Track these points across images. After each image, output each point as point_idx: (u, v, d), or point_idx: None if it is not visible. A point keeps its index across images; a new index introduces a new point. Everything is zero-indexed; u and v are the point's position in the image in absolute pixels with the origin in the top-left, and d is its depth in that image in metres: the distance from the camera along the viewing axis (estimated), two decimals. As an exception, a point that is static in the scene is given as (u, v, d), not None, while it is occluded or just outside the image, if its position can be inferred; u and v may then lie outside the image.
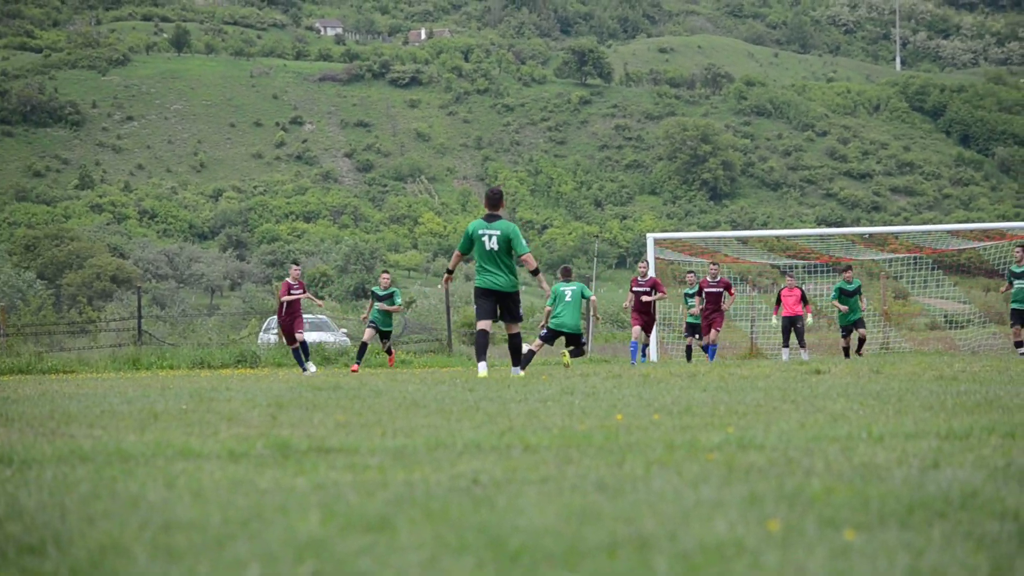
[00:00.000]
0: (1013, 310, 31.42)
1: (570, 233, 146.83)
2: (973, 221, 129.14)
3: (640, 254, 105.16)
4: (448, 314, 43.98)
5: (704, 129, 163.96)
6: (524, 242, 20.56)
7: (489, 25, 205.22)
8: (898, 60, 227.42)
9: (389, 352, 34.01)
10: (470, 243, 20.42)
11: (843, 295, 34.11)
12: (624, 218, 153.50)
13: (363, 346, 32.69)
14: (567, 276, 29.25)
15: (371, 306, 32.46)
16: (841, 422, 9.92)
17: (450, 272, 22.02)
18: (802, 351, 34.61)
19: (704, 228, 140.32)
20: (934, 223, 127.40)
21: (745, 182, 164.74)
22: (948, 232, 45.66)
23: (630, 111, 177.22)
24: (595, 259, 66.66)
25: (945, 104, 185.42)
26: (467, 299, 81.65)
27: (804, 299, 35.29)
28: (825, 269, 45.59)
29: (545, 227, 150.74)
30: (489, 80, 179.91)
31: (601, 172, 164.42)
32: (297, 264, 33.98)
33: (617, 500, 6.16)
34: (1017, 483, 6.36)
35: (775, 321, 36.54)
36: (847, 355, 33.69)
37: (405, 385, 17.53)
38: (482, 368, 20.45)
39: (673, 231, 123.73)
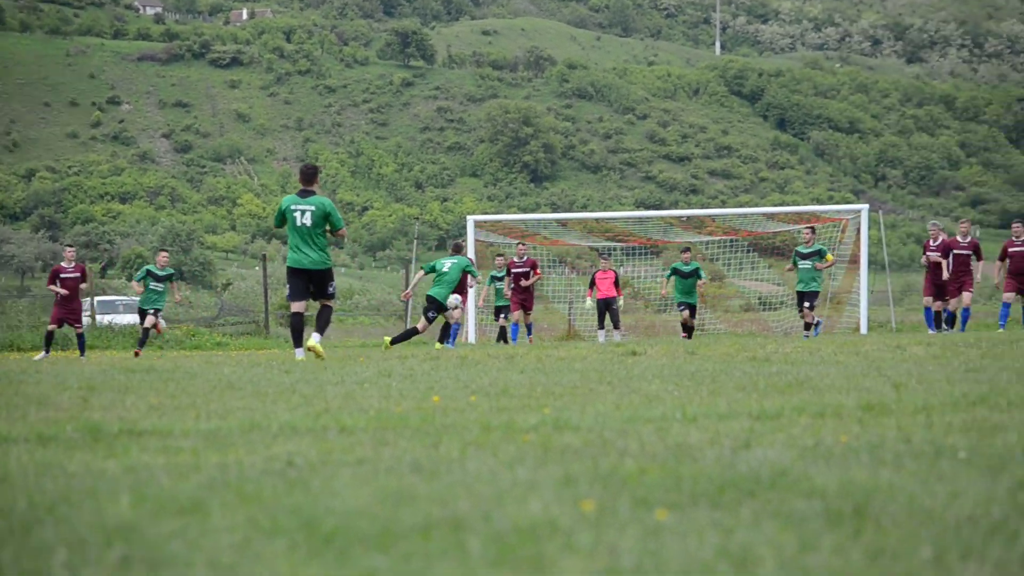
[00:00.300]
0: (798, 292, 32.13)
1: (390, 215, 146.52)
2: (788, 204, 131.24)
3: (460, 235, 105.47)
4: (266, 296, 43.65)
5: (526, 112, 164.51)
6: (340, 216, 20.37)
7: (311, 6, 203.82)
8: (718, 44, 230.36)
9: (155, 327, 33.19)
10: (283, 218, 20.09)
11: (679, 275, 34.22)
12: (445, 200, 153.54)
13: (145, 332, 32.20)
14: (457, 252, 29.45)
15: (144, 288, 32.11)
16: (656, 403, 10.01)
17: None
18: (616, 333, 34.89)
19: (525, 210, 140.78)
20: (750, 206, 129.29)
21: (566, 165, 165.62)
22: (764, 215, 46.35)
23: (452, 93, 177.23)
24: (415, 241, 66.57)
25: (763, 88, 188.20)
26: (284, 280, 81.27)
27: (617, 282, 35.60)
28: (643, 251, 46.00)
29: (365, 208, 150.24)
30: (311, 61, 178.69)
31: (423, 154, 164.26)
32: (72, 247, 32.81)
33: (432, 482, 6.15)
34: (825, 462, 6.46)
35: (589, 303, 36.75)
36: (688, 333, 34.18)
37: (220, 367, 17.37)
38: (299, 353, 20.22)
39: (494, 213, 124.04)
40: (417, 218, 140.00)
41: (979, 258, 31.93)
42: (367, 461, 6.95)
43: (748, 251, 42.35)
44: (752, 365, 14.91)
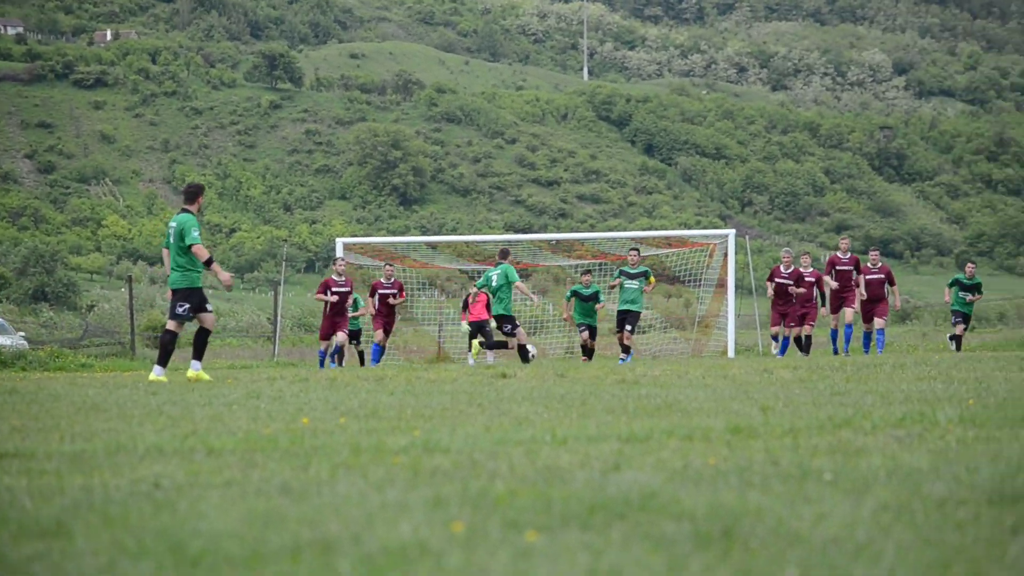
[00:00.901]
0: (621, 311, 32.14)
1: (259, 237, 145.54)
2: (656, 229, 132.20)
3: (330, 258, 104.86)
4: (132, 317, 43.22)
5: (395, 135, 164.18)
6: (196, 233, 20.05)
7: (177, 28, 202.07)
8: (585, 70, 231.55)
9: None
10: (168, 238, 20.25)
11: (579, 298, 33.91)
12: (314, 223, 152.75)
13: None
14: (503, 257, 29.48)
15: None
16: (526, 425, 10.03)
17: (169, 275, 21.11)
18: (488, 354, 34.91)
19: (394, 233, 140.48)
20: (619, 230, 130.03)
21: (435, 188, 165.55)
22: (632, 239, 46.64)
23: (321, 116, 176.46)
24: (283, 263, 66.27)
25: (631, 114, 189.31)
26: (150, 302, 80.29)
27: (490, 305, 35.65)
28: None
29: (233, 231, 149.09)
30: (177, 83, 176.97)
31: (291, 176, 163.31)
32: None
33: (301, 503, 6.12)
34: (694, 485, 6.51)
35: (464, 326, 36.78)
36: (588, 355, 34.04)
37: (85, 389, 17.16)
38: (156, 372, 20.06)
39: (363, 236, 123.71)
40: (285, 240, 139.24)
41: (891, 283, 32.49)
42: (235, 483, 6.90)
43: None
44: (621, 388, 14.99)
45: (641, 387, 15.09)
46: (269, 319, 65.42)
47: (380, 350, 34.16)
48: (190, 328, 21.32)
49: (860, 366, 19.55)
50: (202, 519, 5.75)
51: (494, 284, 29.34)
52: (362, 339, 35.82)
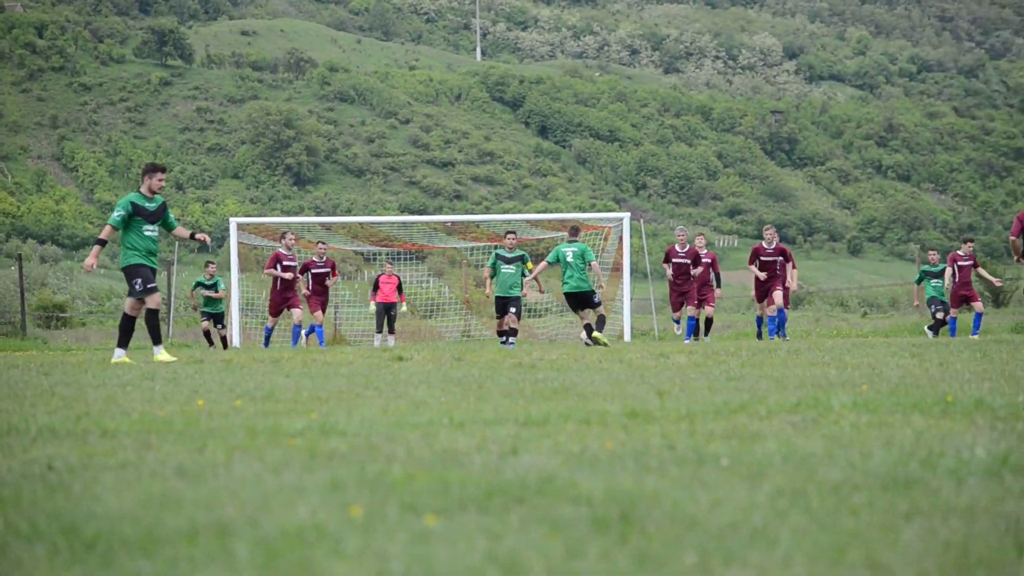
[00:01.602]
0: (499, 298, 31.39)
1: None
2: (551, 211, 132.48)
3: (223, 238, 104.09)
4: (22, 297, 42.73)
5: (288, 114, 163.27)
6: (115, 214, 20.20)
7: (64, 1, 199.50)
8: (479, 50, 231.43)
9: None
10: None
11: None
12: (206, 202, 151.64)
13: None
14: (574, 235, 28.96)
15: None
16: (423, 408, 10.03)
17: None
18: (390, 337, 34.87)
19: (288, 213, 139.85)
20: (514, 212, 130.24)
21: (329, 168, 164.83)
22: (527, 221, 46.75)
23: (212, 94, 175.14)
24: (176, 243, 65.67)
25: (524, 95, 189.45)
26: (41, 280, 79.30)
27: (400, 287, 35.69)
28: (408, 256, 46.04)
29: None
30: (65, 58, 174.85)
31: (183, 155, 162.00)
32: None
33: (197, 486, 6.08)
34: (591, 468, 6.53)
35: (372, 307, 36.80)
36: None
37: (-26, 371, 16.94)
38: (118, 354, 19.98)
39: (257, 216, 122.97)
40: (178, 219, 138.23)
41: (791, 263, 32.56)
42: (130, 465, 6.85)
43: (524, 260, 42.81)
44: (518, 371, 15.02)
45: (538, 371, 15.12)
46: (163, 300, 64.82)
47: (317, 329, 33.67)
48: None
49: (755, 351, 19.72)
50: (97, 502, 5.70)
51: (569, 259, 28.56)
52: (225, 322, 35.93)
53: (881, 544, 4.94)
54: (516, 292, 31.21)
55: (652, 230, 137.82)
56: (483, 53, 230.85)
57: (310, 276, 33.64)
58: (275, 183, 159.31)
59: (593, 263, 28.67)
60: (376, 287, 36.12)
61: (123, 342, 20.03)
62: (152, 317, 20.11)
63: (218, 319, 35.79)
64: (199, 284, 36.08)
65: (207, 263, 36.52)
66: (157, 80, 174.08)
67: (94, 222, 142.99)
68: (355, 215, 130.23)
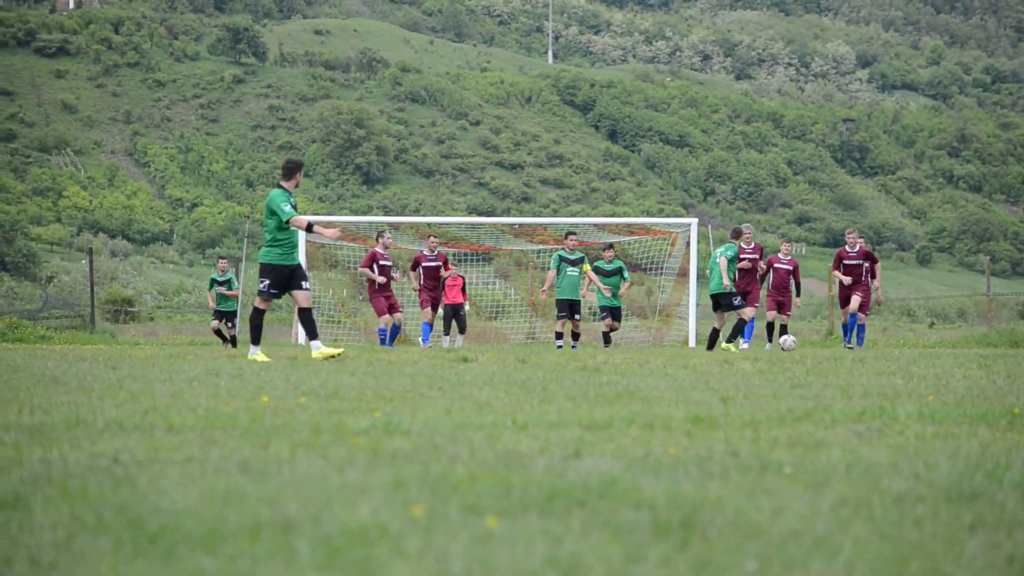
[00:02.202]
0: (564, 300, 30.87)
1: (220, 212, 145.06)
2: (619, 215, 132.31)
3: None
4: (92, 290, 43.04)
5: (358, 113, 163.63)
6: (287, 208, 19.75)
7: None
8: (550, 53, 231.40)
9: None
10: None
11: (602, 274, 32.13)
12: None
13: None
14: (736, 237, 28.90)
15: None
16: (486, 410, 10.03)
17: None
18: (459, 338, 34.69)
19: (356, 212, 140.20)
20: (582, 216, 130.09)
21: (398, 168, 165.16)
22: (595, 225, 46.69)
23: (284, 92, 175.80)
24: (245, 239, 65.96)
25: (595, 99, 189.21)
26: (111, 275, 79.93)
27: (464, 288, 35.50)
28: (475, 257, 46.08)
29: (195, 205, 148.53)
30: (140, 54, 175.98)
31: (254, 152, 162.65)
32: None
33: (261, 482, 6.11)
34: (654, 473, 6.52)
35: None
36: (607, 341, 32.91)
37: (44, 361, 17.09)
38: (252, 351, 19.66)
39: (325, 214, 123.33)
40: (248, 216, 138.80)
41: (796, 280, 32.35)
42: (195, 460, 6.89)
43: (583, 261, 42.81)
44: (582, 375, 15.00)
45: (602, 375, 15.10)
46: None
47: (429, 328, 32.62)
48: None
49: (820, 359, 19.62)
50: (161, 496, 5.74)
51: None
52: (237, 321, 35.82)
53: (944, 556, 4.91)
54: (579, 295, 31.12)
55: (720, 236, 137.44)
56: (555, 56, 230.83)
57: (421, 270, 32.50)
58: (344, 182, 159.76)
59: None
60: (442, 288, 36.01)
61: (256, 339, 19.92)
62: (257, 317, 20.07)
63: (230, 317, 35.37)
64: (213, 281, 35.48)
65: (219, 258, 36.08)
66: (230, 77, 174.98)
67: (164, 217, 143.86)
68: (423, 215, 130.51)
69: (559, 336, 30.85)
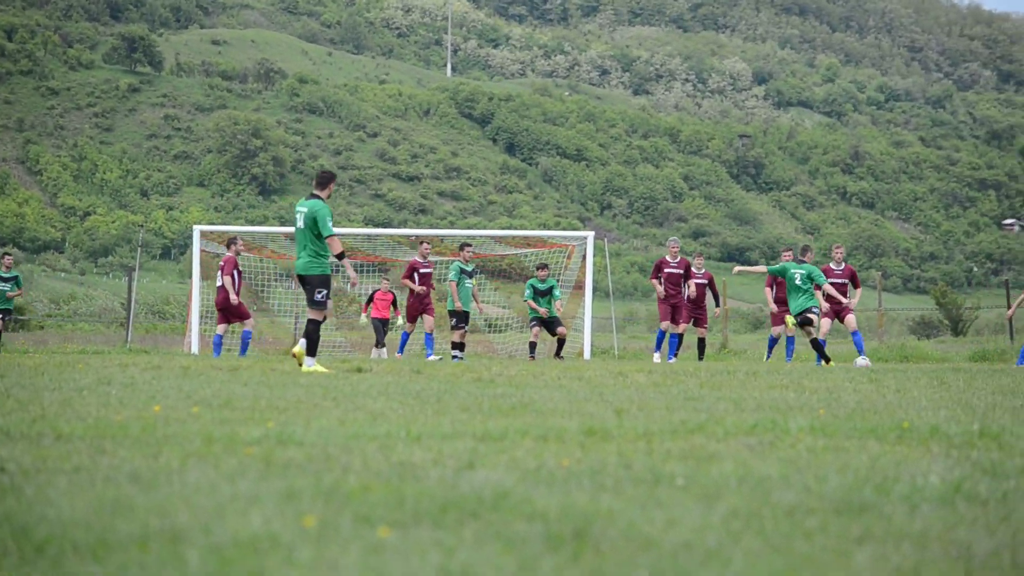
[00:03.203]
0: (452, 311, 31.18)
1: (114, 221, 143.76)
2: (516, 228, 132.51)
3: (187, 245, 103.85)
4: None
5: (255, 124, 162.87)
6: (331, 225, 19.88)
7: (35, 5, 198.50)
8: (449, 66, 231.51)
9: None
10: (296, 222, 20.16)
11: (536, 293, 32.18)
12: (171, 209, 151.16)
13: None
14: (804, 254, 28.76)
15: None
16: (380, 421, 10.01)
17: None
18: (383, 351, 34.53)
19: (252, 223, 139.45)
20: (479, 228, 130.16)
21: (295, 179, 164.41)
22: (492, 238, 46.73)
23: (180, 102, 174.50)
24: (139, 249, 65.56)
25: (493, 112, 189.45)
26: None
27: (395, 303, 35.45)
28: (371, 268, 45.95)
29: (88, 214, 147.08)
30: (34, 61, 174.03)
31: (148, 162, 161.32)
32: None
33: (151, 492, 6.06)
34: (547, 485, 6.53)
35: (363, 319, 36.63)
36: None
37: (-68, 371, 16.85)
38: (309, 363, 19.43)
39: (221, 224, 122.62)
40: (142, 226, 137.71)
41: (714, 292, 32.52)
42: (84, 469, 6.82)
43: (476, 273, 42.67)
44: (477, 386, 15.00)
45: (496, 386, 15.11)
46: (123, 305, 64.63)
47: (406, 337, 32.51)
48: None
49: (713, 372, 19.75)
50: (49, 505, 5.68)
51: (797, 282, 28.33)
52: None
53: (833, 568, 4.95)
54: (470, 306, 31.53)
55: (616, 250, 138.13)
56: (453, 69, 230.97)
57: (417, 277, 32.02)
58: (240, 192, 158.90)
59: (825, 286, 28.59)
60: (371, 300, 35.85)
61: (312, 351, 19.63)
62: (316, 329, 19.90)
63: (7, 314, 34.66)
64: None
65: (4, 255, 34.54)
66: (125, 86, 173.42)
67: (56, 226, 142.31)
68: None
69: (456, 347, 31.02)
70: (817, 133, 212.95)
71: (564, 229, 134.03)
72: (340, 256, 19.95)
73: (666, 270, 31.99)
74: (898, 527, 5.60)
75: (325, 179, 20.39)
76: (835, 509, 5.98)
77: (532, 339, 32.51)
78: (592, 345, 38.59)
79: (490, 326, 47.17)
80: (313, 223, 19.79)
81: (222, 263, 31.52)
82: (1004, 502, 6.27)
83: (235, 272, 30.90)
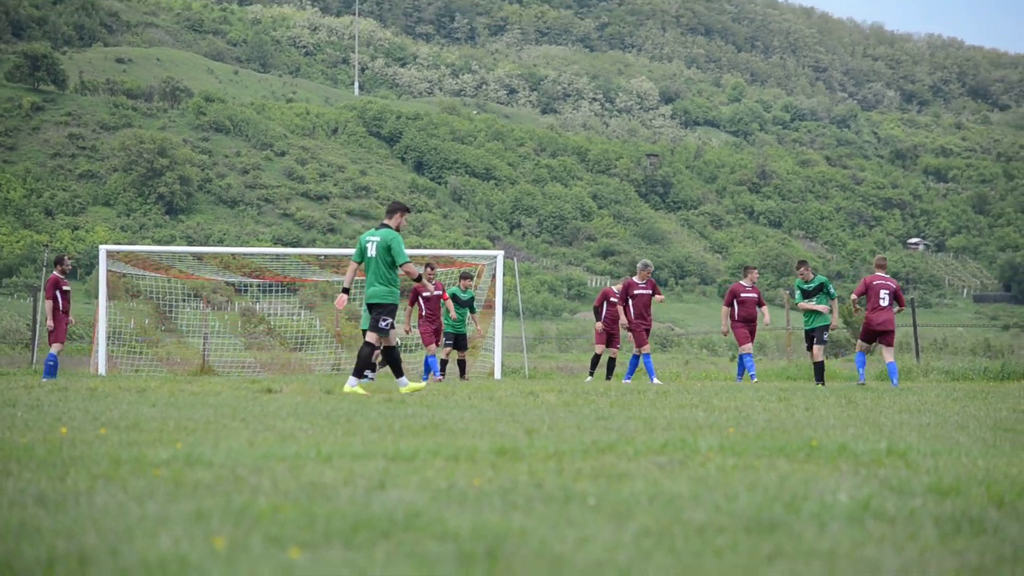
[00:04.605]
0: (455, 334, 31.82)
1: (18, 241, 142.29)
2: (426, 247, 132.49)
3: (92, 265, 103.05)
4: None
5: (162, 143, 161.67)
6: (404, 252, 20.09)
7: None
8: (356, 85, 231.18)
9: None
10: (361, 253, 20.29)
11: (457, 303, 32.05)
12: (76, 228, 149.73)
13: None
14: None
15: None
16: (290, 441, 9.96)
17: (346, 291, 20.70)
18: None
19: (160, 242, 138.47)
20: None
21: (202, 198, 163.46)
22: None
23: (85, 120, 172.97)
24: (44, 268, 64.87)
25: (401, 131, 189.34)
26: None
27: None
28: (280, 289, 45.77)
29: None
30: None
31: (53, 181, 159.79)
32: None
33: (58, 515, 5.99)
34: (459, 505, 6.52)
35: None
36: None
37: None
38: (403, 383, 19.98)
39: (128, 244, 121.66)
40: (47, 245, 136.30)
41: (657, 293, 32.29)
42: (-11, 493, 6.73)
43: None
44: (388, 406, 14.98)
45: (407, 406, 15.09)
46: (28, 325, 63.99)
47: (435, 360, 31.60)
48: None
49: (623, 392, 19.81)
50: (-47, 530, 5.60)
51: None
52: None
53: (744, 585, 4.97)
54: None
55: (525, 268, 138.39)
56: (361, 88, 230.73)
57: (421, 302, 31.68)
58: (147, 211, 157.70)
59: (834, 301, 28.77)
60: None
61: (399, 371, 20.24)
62: (393, 350, 20.30)
63: None
64: None
65: None
66: (29, 105, 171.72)
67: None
68: (227, 246, 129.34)
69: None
70: (724, 152, 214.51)
71: (474, 248, 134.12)
72: (418, 279, 20.78)
73: (636, 292, 31.68)
74: (808, 545, 5.64)
75: (393, 209, 20.76)
76: (745, 527, 6.00)
77: (443, 356, 32.24)
78: (502, 364, 38.61)
79: (403, 346, 47.03)
80: (387, 251, 20.02)
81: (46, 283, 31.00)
82: (911, 520, 6.32)
83: (57, 293, 30.36)
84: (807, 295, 28.92)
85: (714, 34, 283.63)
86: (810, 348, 29.21)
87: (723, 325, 31.48)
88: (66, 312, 30.53)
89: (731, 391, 20.37)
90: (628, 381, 30.41)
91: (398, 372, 20.31)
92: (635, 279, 31.63)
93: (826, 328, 28.76)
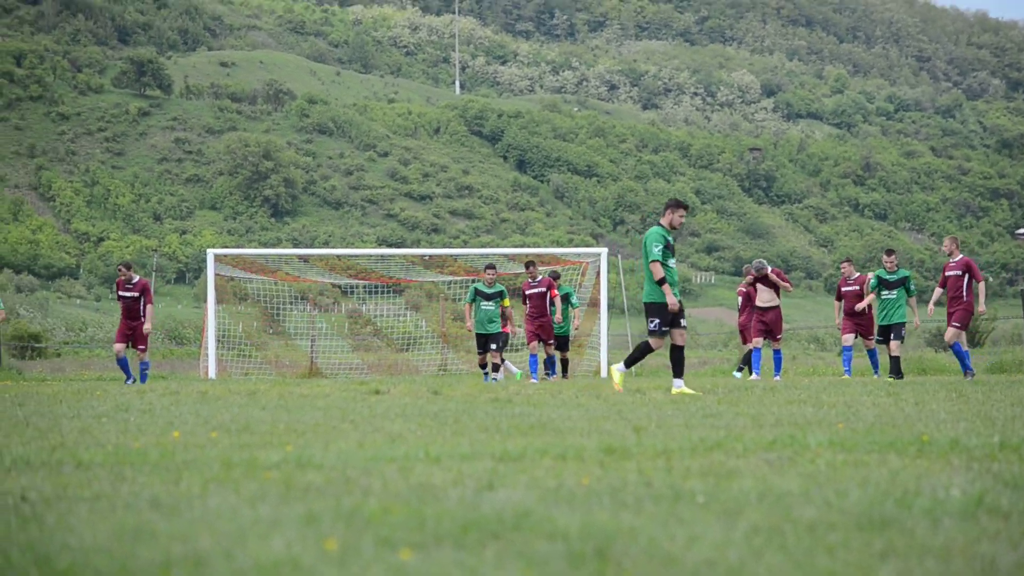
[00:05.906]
0: (479, 335, 30.76)
1: (127, 246, 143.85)
2: (529, 246, 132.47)
3: (200, 269, 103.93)
4: (-4, 327, 42.63)
5: (266, 145, 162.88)
6: (656, 249, 19.77)
7: (43, 31, 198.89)
8: (457, 84, 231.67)
9: None
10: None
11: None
12: (184, 232, 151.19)
13: None
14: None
15: None
16: (399, 442, 10.00)
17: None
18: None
19: (265, 245, 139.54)
20: (492, 246, 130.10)
21: (307, 200, 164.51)
22: (505, 256, 46.73)
23: (190, 124, 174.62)
24: (153, 273, 65.59)
25: (503, 129, 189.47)
26: (15, 310, 78.98)
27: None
28: (386, 290, 45.97)
29: (101, 239, 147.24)
30: (43, 87, 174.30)
31: (160, 185, 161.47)
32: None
33: (172, 518, 6.06)
34: (567, 504, 6.52)
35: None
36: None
37: (-51, 399, 16.87)
38: (678, 384, 19.46)
39: (234, 247, 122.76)
40: (155, 250, 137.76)
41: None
42: (104, 497, 6.82)
43: (502, 295, 42.75)
44: (495, 406, 14.99)
45: (515, 406, 15.10)
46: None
47: (535, 359, 30.94)
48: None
49: (731, 389, 19.72)
50: (70, 533, 5.68)
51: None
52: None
53: (856, 584, 4.93)
54: (495, 328, 30.60)
55: (630, 265, 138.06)
56: (462, 87, 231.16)
57: (527, 298, 31.11)
58: (253, 215, 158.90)
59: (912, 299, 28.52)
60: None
61: (679, 372, 19.44)
62: (677, 352, 19.61)
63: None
64: None
65: None
66: (135, 110, 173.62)
67: (70, 252, 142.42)
68: (333, 247, 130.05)
69: (482, 367, 30.86)
70: (827, 145, 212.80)
71: (577, 246, 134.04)
72: (660, 282, 19.48)
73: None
74: (921, 541, 5.59)
75: (665, 205, 20.04)
76: (857, 524, 5.96)
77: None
78: (608, 363, 38.53)
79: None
80: (645, 249, 19.61)
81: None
82: (1026, 514, 6.25)
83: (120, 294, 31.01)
84: (888, 286, 28.56)
85: (815, 25, 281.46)
86: (885, 341, 28.72)
87: (836, 318, 31.57)
88: (124, 316, 31.02)
89: (839, 386, 20.21)
90: (778, 377, 30.29)
91: (677, 372, 19.46)
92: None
93: (903, 326, 28.33)
